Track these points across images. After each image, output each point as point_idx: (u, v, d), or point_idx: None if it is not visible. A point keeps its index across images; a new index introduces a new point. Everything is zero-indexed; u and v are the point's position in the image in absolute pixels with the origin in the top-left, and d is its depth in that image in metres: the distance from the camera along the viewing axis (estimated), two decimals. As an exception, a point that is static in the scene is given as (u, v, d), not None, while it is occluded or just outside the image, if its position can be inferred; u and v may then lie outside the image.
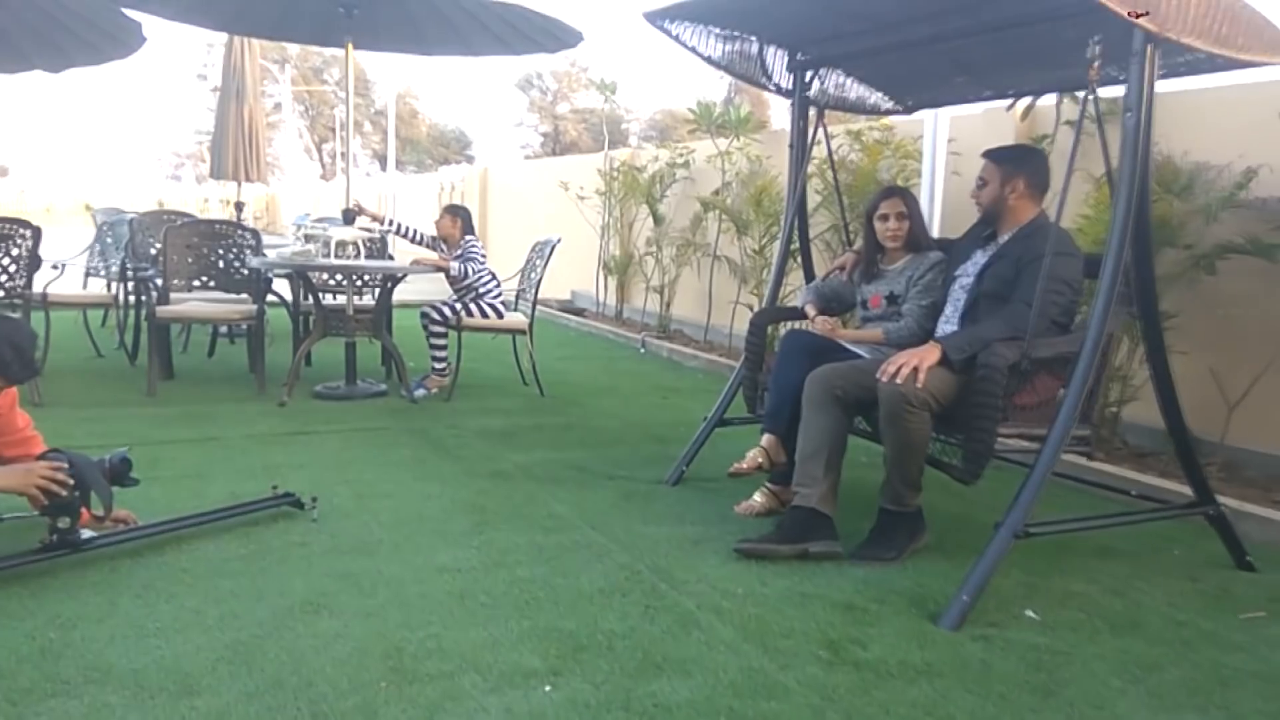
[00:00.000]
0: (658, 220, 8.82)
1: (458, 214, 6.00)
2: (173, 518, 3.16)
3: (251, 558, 2.98)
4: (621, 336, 8.64)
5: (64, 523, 2.82)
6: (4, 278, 5.07)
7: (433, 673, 2.26)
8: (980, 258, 3.36)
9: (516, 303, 6.07)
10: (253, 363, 5.75)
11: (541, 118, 50.85)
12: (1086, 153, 3.37)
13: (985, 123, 5.45)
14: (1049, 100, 4.23)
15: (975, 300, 3.29)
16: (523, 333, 5.82)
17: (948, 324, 3.37)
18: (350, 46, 5.76)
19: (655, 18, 3.87)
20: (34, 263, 5.21)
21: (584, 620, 2.60)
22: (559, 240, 5.99)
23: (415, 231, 6.00)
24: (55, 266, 6.12)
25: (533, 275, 5.94)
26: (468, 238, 5.89)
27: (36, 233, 5.15)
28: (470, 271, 5.72)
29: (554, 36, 6.11)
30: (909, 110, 4.70)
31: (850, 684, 2.29)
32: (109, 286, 7.00)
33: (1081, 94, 3.27)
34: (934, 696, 2.25)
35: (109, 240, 7.03)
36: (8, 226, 5.05)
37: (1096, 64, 2.87)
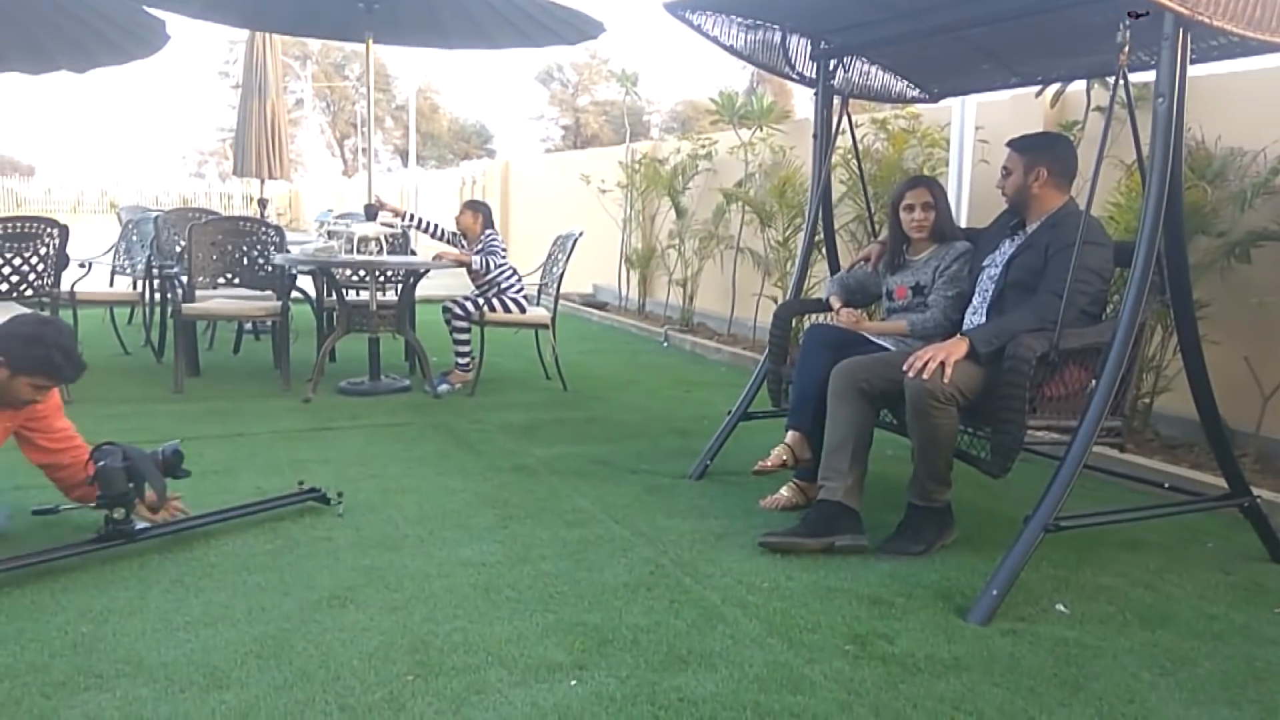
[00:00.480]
0: (680, 213, 8.79)
1: (478, 209, 6.01)
2: (202, 513, 3.18)
3: (278, 552, 3.00)
4: (644, 330, 8.63)
5: (119, 514, 2.88)
6: (33, 276, 5.12)
7: (458, 666, 2.26)
8: (1007, 247, 3.32)
9: (539, 297, 6.07)
10: (277, 359, 5.79)
11: (562, 111, 50.88)
12: (1117, 139, 3.32)
13: (1014, 110, 5.38)
14: (1079, 86, 4.17)
15: (1002, 291, 3.25)
16: (545, 327, 5.82)
17: (975, 315, 3.33)
18: (370, 41, 5.77)
19: (677, 9, 3.84)
20: (61, 261, 5.26)
21: (608, 614, 2.60)
22: (581, 234, 5.98)
23: (436, 227, 6.02)
24: (82, 265, 6.19)
25: (555, 269, 5.94)
26: (488, 232, 5.89)
27: (64, 231, 5.21)
28: (492, 265, 5.73)
29: (574, 28, 6.10)
30: (935, 98, 4.64)
31: (877, 678, 2.28)
32: (135, 284, 7.07)
33: (1111, 79, 3.22)
34: (962, 691, 2.23)
35: (134, 238, 7.10)
36: (36, 225, 5.11)
37: (1126, 49, 2.82)
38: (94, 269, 6.61)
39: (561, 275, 5.87)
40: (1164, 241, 2.91)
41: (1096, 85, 4.10)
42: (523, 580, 2.82)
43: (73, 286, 5.82)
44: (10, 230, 5.00)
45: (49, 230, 5.12)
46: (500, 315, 5.71)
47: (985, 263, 3.38)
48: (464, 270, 5.79)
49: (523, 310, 5.79)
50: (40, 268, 5.18)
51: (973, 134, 5.41)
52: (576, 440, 4.60)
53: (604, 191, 9.89)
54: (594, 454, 4.33)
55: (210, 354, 6.65)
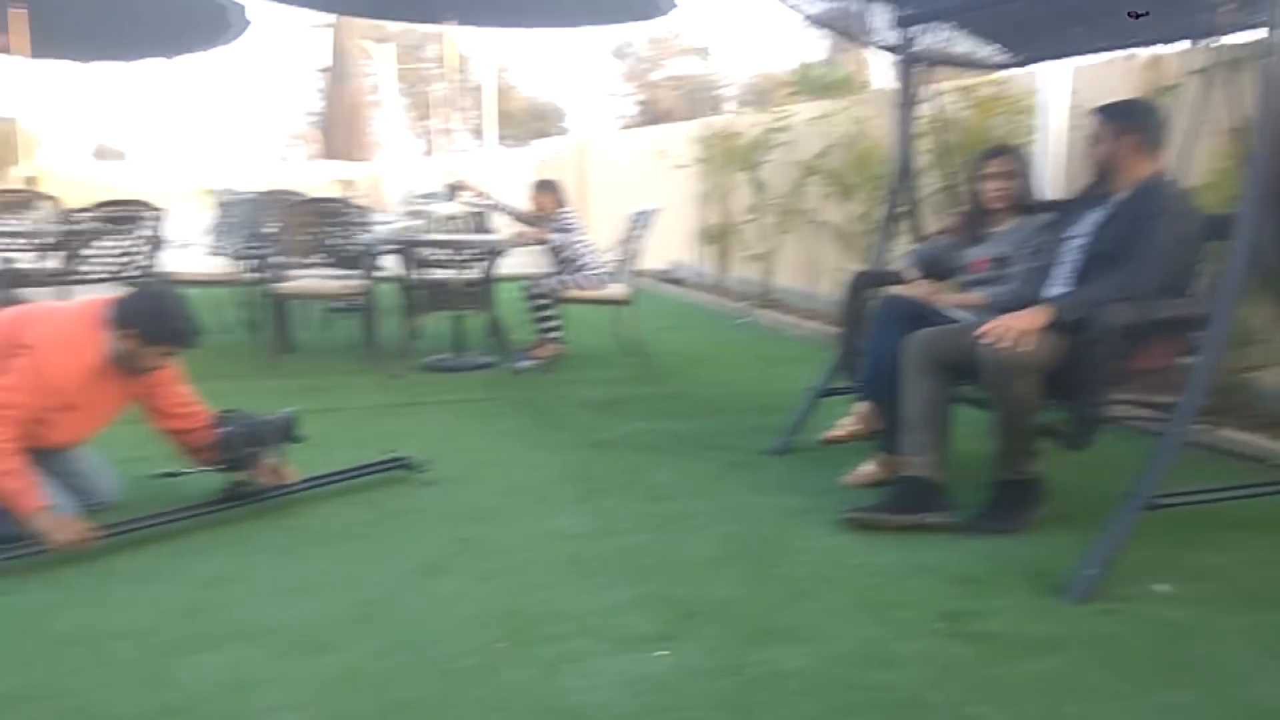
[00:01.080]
0: (757, 187, 8.70)
1: (551, 188, 6.06)
2: (307, 478, 3.31)
3: (373, 523, 3.10)
4: (721, 306, 8.59)
5: (241, 476, 3.07)
6: (134, 258, 5.33)
7: (549, 635, 2.31)
8: (1094, 217, 3.21)
9: (617, 274, 6.09)
10: (365, 337, 5.93)
11: (636, 87, 50.66)
12: (1216, 104, 3.17)
13: (1107, 75, 5.18)
14: (1176, 49, 3.99)
15: (1088, 261, 3.14)
16: (624, 303, 5.85)
17: (1059, 286, 3.23)
18: (450, 23, 5.84)
19: (757, -22, 3.79)
20: (160, 242, 5.48)
21: (694, 587, 2.62)
22: (658, 210, 5.97)
23: (512, 206, 6.09)
24: (180, 246, 6.42)
25: (632, 245, 5.95)
26: (563, 209, 5.94)
27: (161, 214, 5.42)
28: (570, 242, 5.77)
29: (649, 2, 6.07)
30: (1021, 64, 4.49)
31: (970, 656, 2.25)
32: (230, 264, 7.31)
33: (1212, 41, 3.08)
34: (1059, 670, 2.19)
35: (229, 220, 7.33)
36: (135, 209, 5.32)
37: (1228, 7, 2.68)
38: (188, 251, 6.85)
39: (639, 251, 5.87)
40: (1268, 210, 2.78)
41: (1194, 47, 3.90)
42: (608, 553, 2.86)
43: (171, 268, 6.04)
44: (111, 214, 5.22)
45: (148, 213, 5.33)
46: (579, 292, 5.75)
47: (1070, 233, 3.28)
48: (542, 249, 5.85)
49: (601, 287, 5.82)
50: (140, 250, 5.39)
51: (1063, 100, 5.23)
52: (657, 416, 4.62)
53: (680, 167, 9.84)
54: (674, 429, 4.35)
55: (302, 332, 6.84)
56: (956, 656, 2.25)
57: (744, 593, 2.59)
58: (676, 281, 10.36)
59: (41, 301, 3.28)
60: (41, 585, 2.53)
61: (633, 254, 5.92)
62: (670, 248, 10.57)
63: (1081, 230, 3.21)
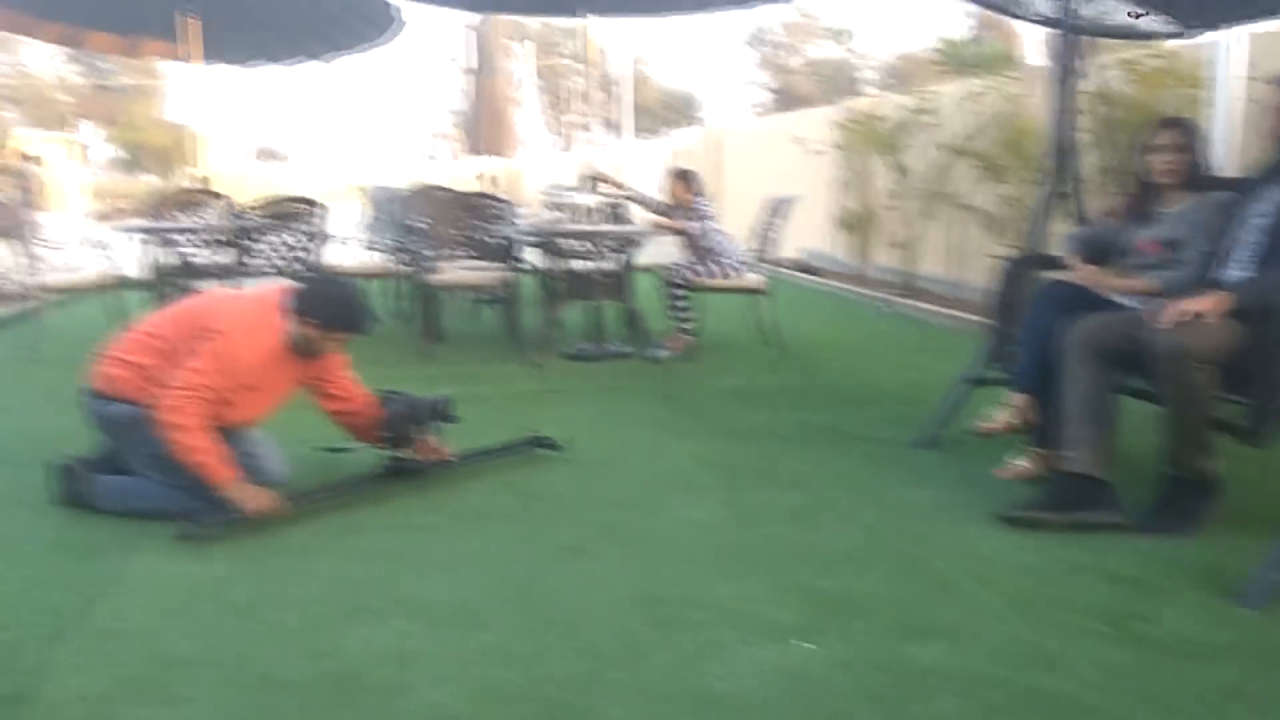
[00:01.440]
0: (900, 172, 8.46)
1: (686, 177, 6.06)
2: (461, 453, 3.49)
3: (519, 505, 3.19)
4: (861, 295, 8.41)
5: (401, 453, 3.28)
6: (299, 253, 5.64)
7: (693, 622, 2.33)
8: (1275, 195, 2.96)
9: (753, 263, 6.05)
10: (509, 326, 6.10)
11: (772, 74, 50.04)
12: None
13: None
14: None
15: (1271, 243, 2.90)
16: (761, 293, 5.80)
17: (1237, 270, 3.00)
18: (586, 16, 5.91)
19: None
20: (322, 238, 5.78)
21: (838, 580, 2.58)
22: (794, 198, 5.89)
23: (648, 197, 6.12)
24: (340, 241, 6.75)
25: (769, 234, 5.89)
26: (698, 198, 5.93)
27: (324, 211, 5.72)
28: (706, 230, 5.76)
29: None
30: (1188, 33, 4.19)
31: (1138, 661, 2.13)
32: (382, 258, 7.65)
33: None
34: (1237, 678, 2.05)
35: (383, 216, 7.67)
36: (300, 206, 5.63)
37: None
38: (347, 244, 7.20)
39: (776, 240, 5.81)
40: None
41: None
42: (750, 542, 2.86)
43: (331, 261, 6.36)
44: (278, 211, 5.54)
45: (312, 210, 5.63)
46: (716, 281, 5.75)
47: (1251, 213, 3.03)
48: (678, 239, 5.86)
49: (738, 276, 5.80)
50: (305, 245, 5.71)
51: (1239, 71, 4.85)
52: (796, 406, 4.57)
53: (818, 153, 9.68)
54: (815, 420, 4.29)
55: (450, 322, 7.08)
56: (1119, 661, 2.13)
57: (889, 588, 2.53)
58: (814, 270, 10.20)
59: (224, 289, 3.50)
60: (220, 558, 2.72)
61: (770, 242, 5.86)
62: (807, 236, 10.43)
63: (1262, 209, 2.97)
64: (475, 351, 5.99)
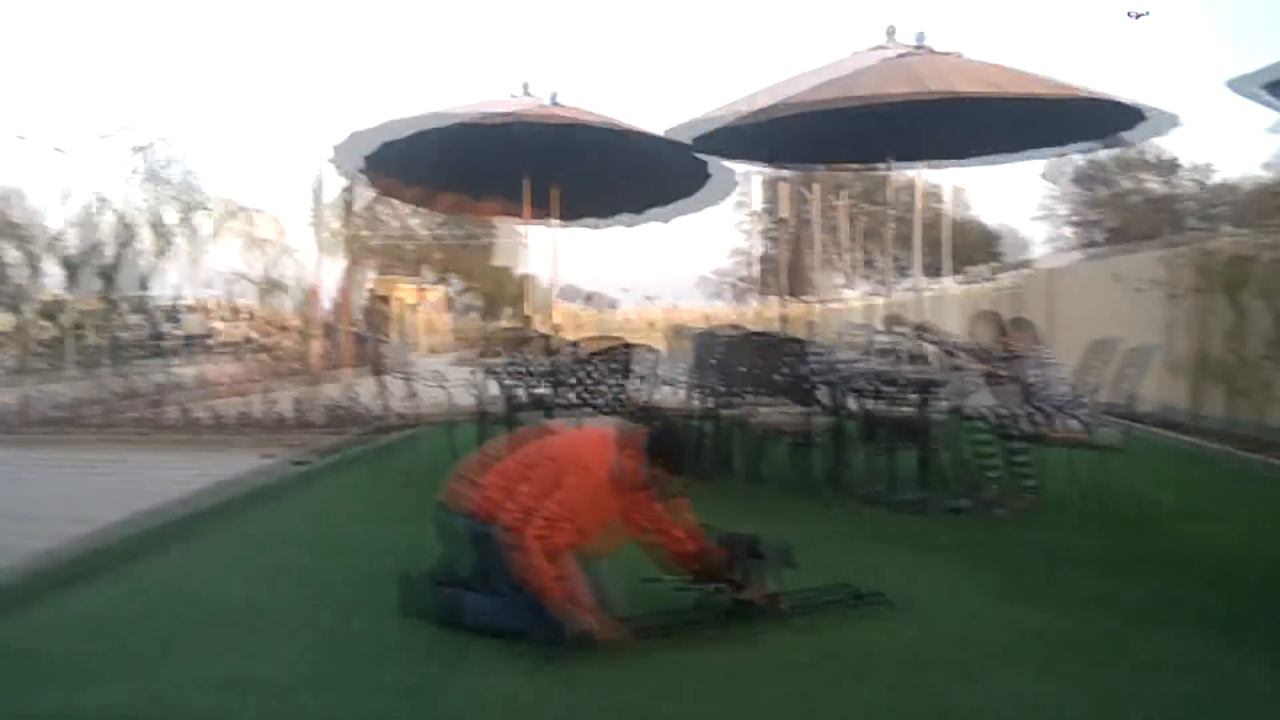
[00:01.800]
0: (1261, 315, 7.49)
1: (1025, 326, 5.75)
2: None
3: (824, 658, 3.04)
4: (1231, 455, 7.09)
5: (744, 595, 3.30)
6: (626, 391, 5.99)
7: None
8: None
9: (1096, 415, 5.50)
10: (819, 468, 5.99)
11: (1101, 213, 46.96)
12: None
13: None
14: None
15: None
16: (1114, 450, 5.21)
17: None
18: (891, 165, 5.93)
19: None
20: (649, 379, 6.13)
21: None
22: (1158, 346, 5.34)
23: (965, 344, 5.83)
24: (662, 382, 7.06)
25: (1123, 385, 5.37)
26: (1038, 346, 5.56)
27: (648, 353, 6.08)
28: (1048, 378, 5.39)
29: (1130, 119, 5.60)
30: None
31: None
32: (686, 395, 7.86)
33: None
34: None
35: (702, 358, 7.91)
36: (629, 348, 6.04)
37: None
38: (668, 386, 7.51)
39: (1131, 393, 5.29)
40: None
41: None
42: (1089, 728, 2.51)
43: (651, 399, 6.65)
44: (609, 352, 5.97)
45: (638, 352, 6.02)
46: (1060, 432, 5.26)
47: None
48: (1006, 387, 5.52)
49: (1082, 428, 5.28)
50: (631, 384, 6.06)
51: None
52: (1135, 575, 4.01)
53: (1173, 297, 8.83)
54: (1159, 591, 3.74)
55: (762, 460, 7.00)
56: None
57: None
58: (1171, 425, 9.07)
59: (564, 424, 3.74)
60: (535, 682, 2.80)
61: (1123, 394, 5.34)
62: (1156, 385, 9.41)
63: None
64: (783, 490, 5.93)
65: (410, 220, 41.39)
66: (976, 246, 46.66)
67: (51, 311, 16.12)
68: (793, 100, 5.42)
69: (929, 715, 2.61)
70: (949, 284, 20.69)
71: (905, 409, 5.78)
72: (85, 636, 3.22)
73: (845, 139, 6.51)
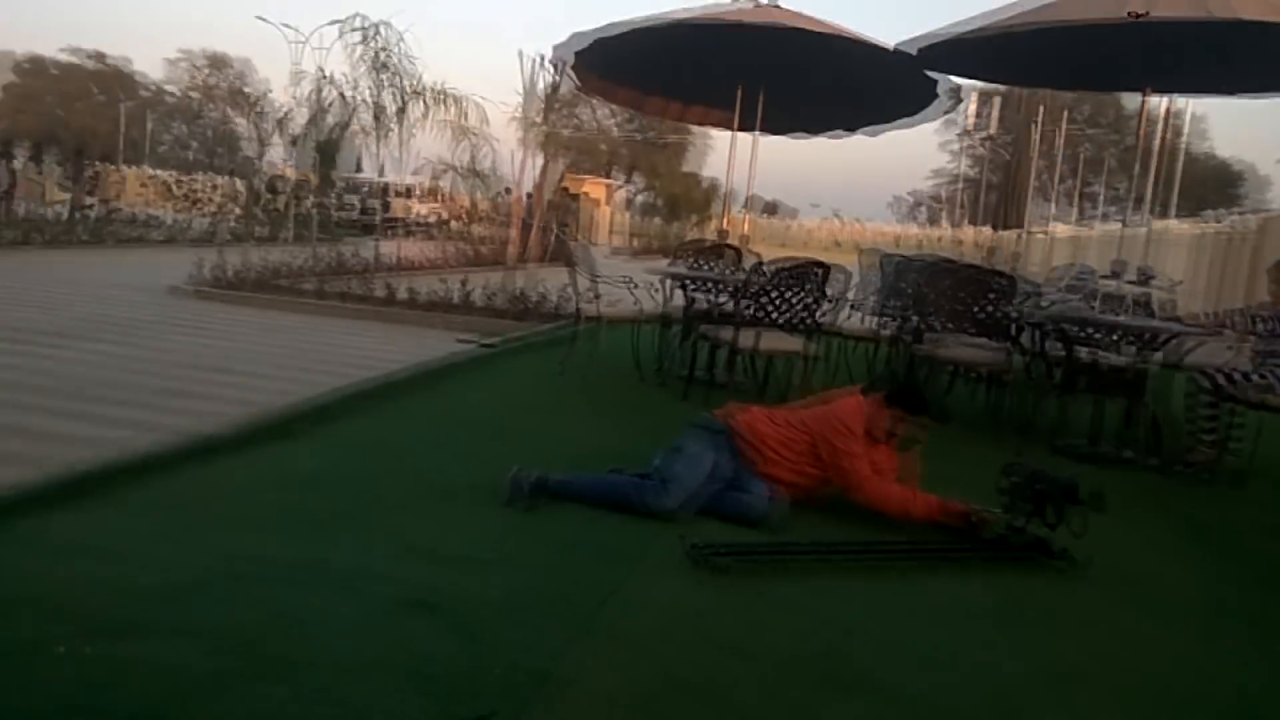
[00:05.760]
0: None
1: None
2: (927, 543, 3.40)
3: (1000, 610, 2.98)
4: None
5: (1021, 522, 3.37)
6: (810, 311, 5.85)
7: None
8: None
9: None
10: (996, 409, 5.76)
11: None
12: None
13: None
14: None
15: None
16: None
17: None
18: (1150, 94, 5.40)
19: None
20: (821, 298, 5.96)
21: None
22: None
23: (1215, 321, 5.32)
24: (831, 301, 6.91)
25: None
26: None
27: (835, 273, 5.89)
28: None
29: None
30: None
31: None
32: (862, 320, 7.65)
33: None
34: None
35: (889, 283, 7.67)
36: (814, 267, 5.85)
37: None
38: (853, 309, 7.33)
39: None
40: None
41: None
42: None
43: (832, 320, 6.51)
44: (795, 270, 5.82)
45: (823, 271, 5.84)
46: (1258, 395, 4.85)
47: None
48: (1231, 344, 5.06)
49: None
50: (816, 303, 5.92)
51: None
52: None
53: None
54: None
55: (949, 399, 6.82)
56: None
57: None
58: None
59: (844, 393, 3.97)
60: (709, 592, 2.88)
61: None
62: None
63: None
64: (954, 431, 5.73)
65: (605, 120, 41.61)
66: (1211, 185, 42.19)
67: (275, 184, 17.37)
68: (1047, 17, 5.00)
69: (1114, 680, 2.50)
70: (1171, 223, 18.92)
71: (1116, 359, 5.40)
72: (299, 490, 3.54)
73: (1099, 61, 5.95)
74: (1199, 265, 14.86)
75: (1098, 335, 5.66)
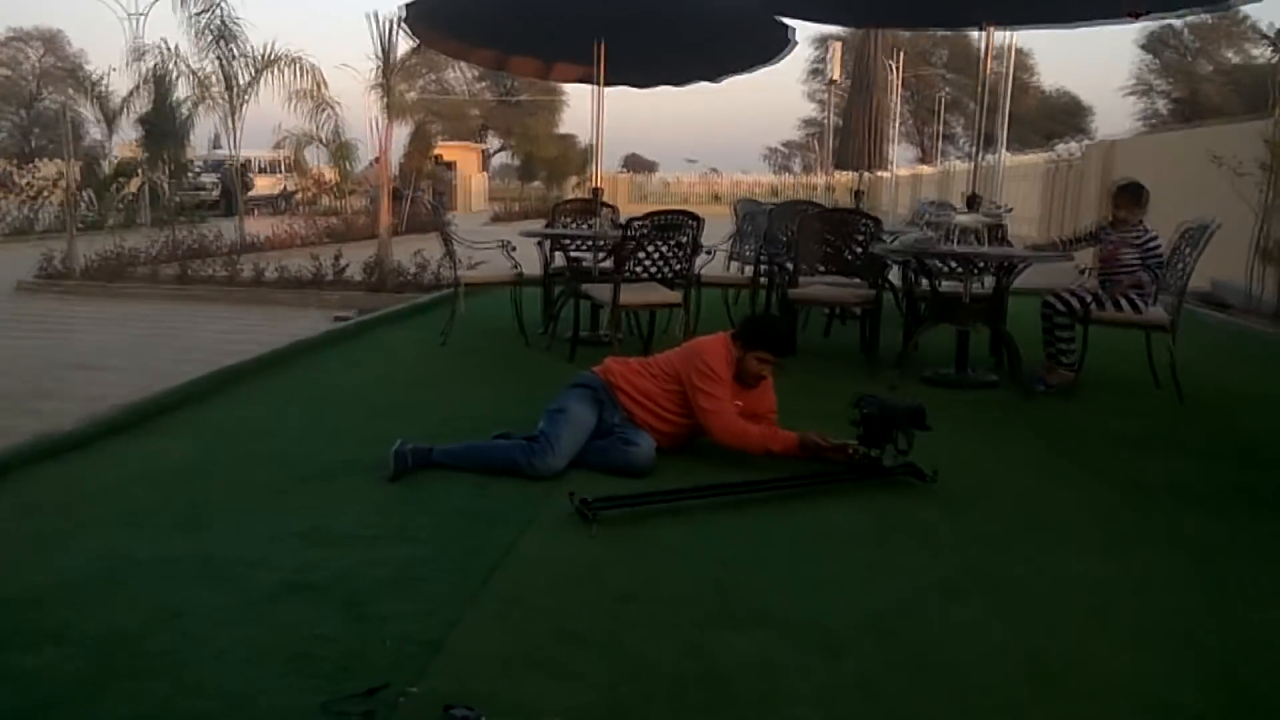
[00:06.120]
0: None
1: (1136, 194, 5.39)
2: (815, 473, 3.53)
3: (882, 533, 3.11)
4: (1283, 337, 7.22)
5: (875, 452, 3.52)
6: (675, 262, 5.92)
7: (1080, 691, 2.13)
8: None
9: (1155, 296, 5.40)
10: (865, 344, 5.98)
11: (1173, 81, 44.68)
12: None
13: None
14: None
15: None
16: (1163, 329, 5.16)
17: None
18: (990, 27, 5.61)
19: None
20: (696, 249, 6.04)
21: (1260, 673, 2.23)
22: (1218, 225, 5.17)
23: (1063, 239, 5.64)
24: (708, 251, 7.03)
25: (1180, 265, 5.22)
26: (1149, 228, 5.33)
27: (700, 223, 5.96)
28: (1148, 260, 5.22)
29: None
30: None
31: None
32: (742, 270, 7.84)
33: None
34: None
35: (747, 228, 7.87)
36: (680, 218, 5.92)
37: None
38: (713, 255, 7.46)
39: (1190, 271, 5.13)
40: None
41: None
42: (1145, 612, 2.55)
43: (700, 270, 6.63)
44: (660, 223, 5.86)
45: (689, 222, 5.91)
46: (1110, 314, 5.20)
47: None
48: (1061, 264, 5.38)
49: (1138, 310, 5.20)
50: (679, 254, 5.99)
51: None
52: (1201, 461, 4.02)
53: (1240, 174, 8.45)
54: (1226, 479, 3.75)
55: (802, 334, 7.09)
56: None
57: (1332, 693, 2.14)
58: (1221, 304, 8.93)
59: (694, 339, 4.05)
60: (602, 543, 2.93)
61: (1181, 273, 5.18)
62: (1216, 265, 9.15)
63: None
64: (828, 367, 5.94)
65: (475, 84, 40.69)
66: (1051, 117, 44.59)
67: (124, 168, 16.40)
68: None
69: (984, 589, 2.67)
70: (1005, 156, 19.95)
71: (980, 290, 5.67)
72: (169, 483, 3.41)
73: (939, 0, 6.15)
74: (1042, 194, 15.77)
75: (959, 268, 5.91)
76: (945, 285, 5.93)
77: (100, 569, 2.63)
